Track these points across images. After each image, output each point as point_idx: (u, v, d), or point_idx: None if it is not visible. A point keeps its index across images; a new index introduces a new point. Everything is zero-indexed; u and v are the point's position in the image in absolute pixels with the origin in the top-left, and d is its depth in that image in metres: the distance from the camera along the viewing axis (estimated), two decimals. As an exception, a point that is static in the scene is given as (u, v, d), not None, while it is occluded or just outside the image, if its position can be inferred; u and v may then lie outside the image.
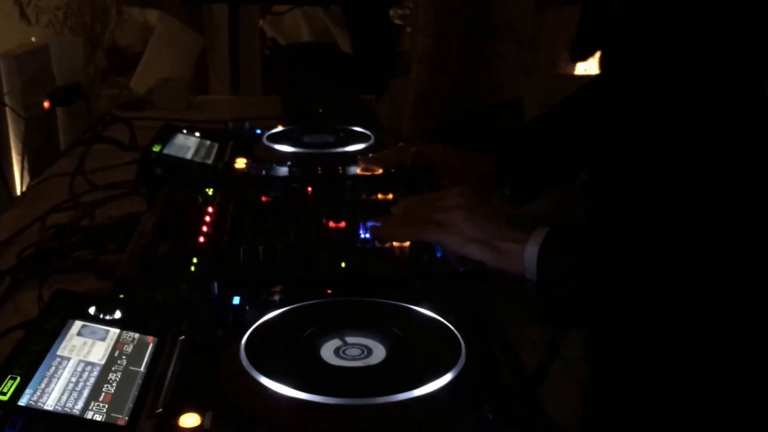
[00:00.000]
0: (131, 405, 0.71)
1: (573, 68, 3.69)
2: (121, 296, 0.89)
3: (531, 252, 0.87)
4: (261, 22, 3.30)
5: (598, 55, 1.05)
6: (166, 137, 1.41)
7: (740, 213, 0.82)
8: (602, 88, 1.14)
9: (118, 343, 0.79)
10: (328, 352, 0.78)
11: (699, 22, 0.83)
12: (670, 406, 0.92)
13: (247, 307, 0.87)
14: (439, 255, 1.00)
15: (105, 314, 0.82)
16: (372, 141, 1.44)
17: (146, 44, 3.19)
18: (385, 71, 2.53)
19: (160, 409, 0.71)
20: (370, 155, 1.35)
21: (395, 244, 1.03)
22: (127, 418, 0.69)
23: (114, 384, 0.73)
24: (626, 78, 0.95)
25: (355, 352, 0.78)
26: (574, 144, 1.20)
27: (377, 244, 1.04)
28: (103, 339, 0.79)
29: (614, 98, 1.00)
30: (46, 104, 1.83)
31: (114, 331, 0.80)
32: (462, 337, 0.79)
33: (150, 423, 0.69)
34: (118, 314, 0.83)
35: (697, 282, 0.80)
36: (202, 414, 0.69)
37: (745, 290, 0.78)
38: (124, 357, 0.77)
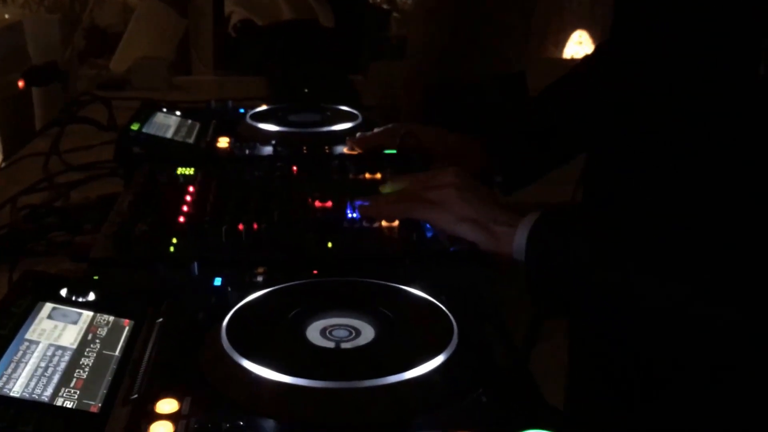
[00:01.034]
0: (105, 391, 0.67)
1: (561, 52, 3.66)
2: (96, 278, 0.85)
3: (521, 236, 0.86)
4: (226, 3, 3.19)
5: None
6: (145, 115, 1.37)
7: (740, 204, 0.80)
8: (598, 70, 1.11)
9: (91, 327, 0.74)
10: (314, 333, 0.74)
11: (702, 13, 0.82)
12: (654, 393, 0.90)
13: (229, 289, 0.83)
14: (429, 235, 0.96)
15: (77, 296, 0.78)
16: (360, 120, 1.40)
17: (127, 25, 3.12)
18: (367, 49, 2.48)
19: (136, 395, 0.67)
20: (358, 134, 1.30)
21: (384, 223, 1.00)
22: (100, 404, 0.65)
23: (86, 369, 0.69)
24: (629, 65, 0.93)
25: (342, 333, 0.74)
26: (567, 130, 1.18)
27: (365, 224, 1.00)
28: (75, 322, 0.74)
29: (613, 84, 0.97)
30: (20, 83, 1.78)
31: (87, 314, 0.76)
32: (454, 317, 0.76)
33: (125, 410, 0.65)
34: (91, 296, 0.79)
35: (690, 270, 0.79)
36: (180, 399, 0.65)
37: (739, 282, 0.77)
38: (97, 341, 0.73)
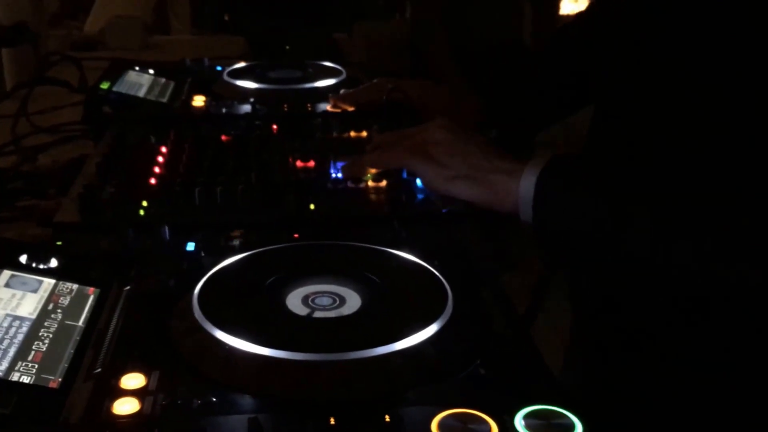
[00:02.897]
0: (66, 365, 0.61)
1: (558, 7, 3.57)
2: (59, 243, 0.78)
3: (527, 186, 0.77)
4: None
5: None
6: (116, 74, 1.30)
7: (751, 159, 0.76)
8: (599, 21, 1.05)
9: (53, 295, 0.69)
10: (294, 301, 0.69)
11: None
12: (654, 353, 0.87)
13: (203, 254, 0.78)
14: (420, 197, 0.90)
15: (38, 263, 0.72)
16: (344, 77, 1.34)
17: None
18: (351, 8, 2.41)
19: (99, 369, 0.61)
20: (342, 91, 1.24)
21: (370, 183, 0.94)
22: (60, 379, 0.60)
23: (46, 341, 0.63)
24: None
25: (325, 301, 0.69)
26: (563, 87, 1.12)
27: (350, 184, 0.94)
28: (36, 290, 0.69)
29: (616, 34, 0.91)
30: (-12, 44, 1.70)
31: (48, 282, 0.70)
32: (448, 283, 0.70)
33: (87, 385, 0.60)
34: (54, 263, 0.73)
35: (705, 227, 0.74)
36: (147, 374, 0.60)
37: (755, 239, 0.72)
38: (59, 311, 0.67)
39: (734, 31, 0.76)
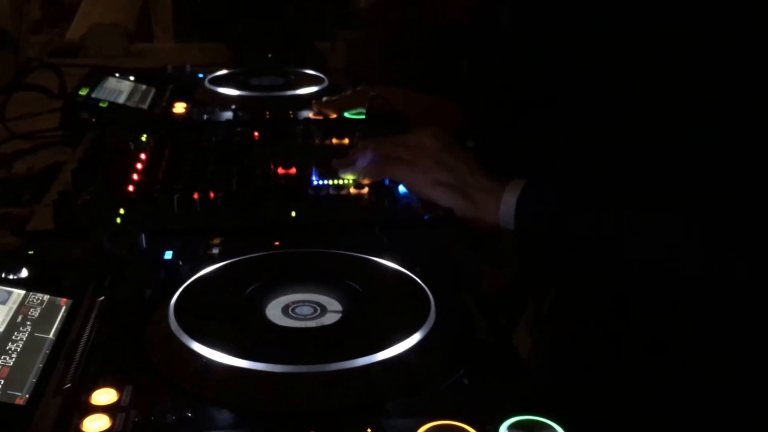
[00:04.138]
0: (34, 380, 0.59)
1: None
2: (31, 252, 0.76)
3: (508, 206, 0.83)
4: None
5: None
6: (95, 81, 1.28)
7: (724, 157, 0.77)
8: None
9: (22, 307, 0.66)
10: (274, 311, 0.67)
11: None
12: (636, 361, 0.87)
13: (181, 262, 0.76)
14: (402, 202, 0.89)
15: (7, 273, 0.70)
16: (326, 84, 1.32)
17: (85, -6, 3.00)
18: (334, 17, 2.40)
19: (69, 384, 0.59)
20: (325, 98, 1.23)
21: (352, 190, 0.92)
22: (27, 395, 0.57)
23: (14, 355, 0.60)
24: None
25: (306, 310, 0.67)
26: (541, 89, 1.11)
27: (332, 191, 0.92)
28: (4, 302, 0.66)
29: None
30: (-34, 50, 1.67)
31: (18, 293, 0.68)
32: (430, 291, 0.68)
33: (56, 401, 0.57)
34: (24, 273, 0.71)
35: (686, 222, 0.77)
36: (120, 388, 0.57)
37: (736, 234, 0.75)
38: (28, 323, 0.65)
39: (715, 31, 0.76)
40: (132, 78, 1.35)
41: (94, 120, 1.17)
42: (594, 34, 0.86)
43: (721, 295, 0.78)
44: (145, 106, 1.26)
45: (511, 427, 0.54)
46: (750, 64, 0.73)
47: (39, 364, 0.60)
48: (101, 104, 1.20)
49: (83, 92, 1.22)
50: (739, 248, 0.75)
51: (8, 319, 0.64)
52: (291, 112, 1.21)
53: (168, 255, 0.78)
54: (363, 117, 1.16)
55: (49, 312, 0.67)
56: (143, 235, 0.79)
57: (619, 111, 0.83)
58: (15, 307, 0.66)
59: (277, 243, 0.80)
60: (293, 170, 0.98)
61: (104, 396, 0.57)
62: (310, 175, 0.95)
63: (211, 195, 0.87)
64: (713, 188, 0.76)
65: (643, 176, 0.81)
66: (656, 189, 0.80)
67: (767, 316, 0.78)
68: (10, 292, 0.67)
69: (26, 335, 0.63)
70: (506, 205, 0.83)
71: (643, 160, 0.81)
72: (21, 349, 0.61)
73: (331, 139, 1.10)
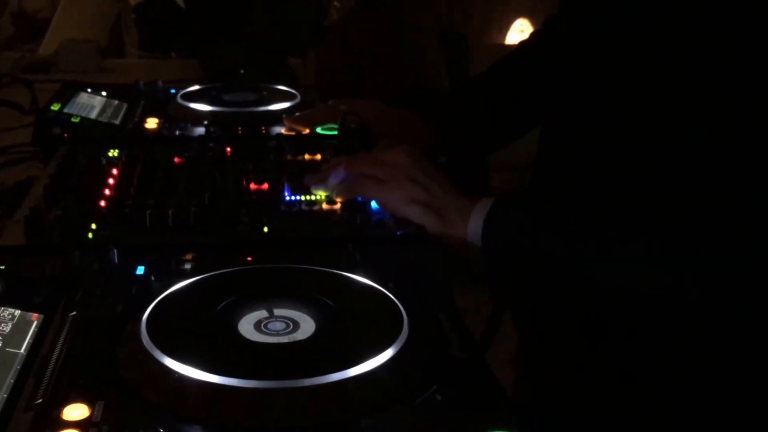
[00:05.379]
0: (5, 395, 0.59)
1: (504, 39, 3.62)
2: (2, 267, 0.75)
3: (476, 223, 0.83)
4: None
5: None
6: (67, 96, 1.27)
7: (687, 184, 0.78)
8: (546, 46, 1.06)
9: (-8, 322, 0.66)
10: (247, 326, 0.66)
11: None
12: (602, 377, 0.88)
13: (153, 278, 0.75)
14: (375, 218, 0.89)
15: (-22, 288, 0.69)
16: (298, 100, 1.33)
17: (56, 10, 2.98)
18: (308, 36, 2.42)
19: (40, 400, 0.58)
20: (297, 114, 1.23)
21: (324, 206, 0.92)
22: (-2, 411, 0.56)
23: (-16, 371, 0.60)
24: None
25: (279, 326, 0.67)
26: (512, 109, 1.14)
27: (304, 207, 0.92)
28: (-26, 317, 0.65)
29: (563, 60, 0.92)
30: (-65, 65, 1.66)
31: (-12, 308, 0.67)
32: (403, 307, 0.68)
33: (27, 416, 0.57)
34: (-5, 288, 0.70)
35: (643, 247, 0.78)
36: (91, 404, 0.57)
37: (690, 256, 0.76)
38: (0, 338, 0.64)
39: (715, 31, 0.76)
40: (104, 93, 1.34)
41: (66, 135, 1.16)
42: (594, 34, 0.87)
43: (678, 317, 0.79)
44: (117, 122, 1.25)
45: (483, 442, 0.54)
46: (750, 64, 0.73)
47: (10, 380, 0.60)
48: (73, 119, 1.20)
49: (55, 107, 1.22)
50: (695, 273, 0.76)
51: (-22, 334, 0.64)
52: (263, 128, 1.21)
53: (140, 270, 0.77)
54: (335, 132, 1.16)
55: (20, 327, 0.66)
56: (115, 251, 0.79)
57: (618, 111, 0.83)
58: (-15, 322, 0.65)
59: (249, 258, 0.80)
60: (266, 186, 0.98)
61: (76, 411, 0.56)
62: (283, 191, 0.95)
63: (183, 210, 0.87)
64: (713, 188, 0.76)
65: (642, 176, 0.81)
66: (655, 189, 0.80)
67: (731, 338, 0.80)
68: (-19, 308, 0.67)
69: (-4, 351, 0.63)
70: (474, 223, 0.84)
71: (642, 160, 0.81)
72: (-9, 364, 0.61)
73: (303, 154, 1.11)
